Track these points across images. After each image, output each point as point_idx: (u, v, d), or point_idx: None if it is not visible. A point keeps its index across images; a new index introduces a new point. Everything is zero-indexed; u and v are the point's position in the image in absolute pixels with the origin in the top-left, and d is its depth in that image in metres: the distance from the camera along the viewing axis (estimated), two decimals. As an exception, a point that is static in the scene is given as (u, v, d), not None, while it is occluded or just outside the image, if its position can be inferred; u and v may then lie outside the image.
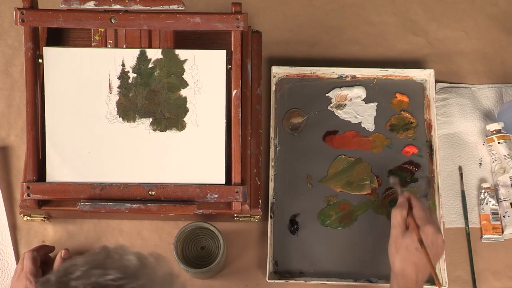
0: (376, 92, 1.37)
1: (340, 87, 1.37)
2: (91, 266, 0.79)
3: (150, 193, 1.18)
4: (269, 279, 1.25)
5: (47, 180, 1.20)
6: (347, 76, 1.38)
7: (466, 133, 1.37)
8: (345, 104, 1.37)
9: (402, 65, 1.39)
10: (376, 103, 1.37)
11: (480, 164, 1.35)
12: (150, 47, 1.22)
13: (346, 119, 1.36)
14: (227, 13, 1.20)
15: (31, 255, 1.20)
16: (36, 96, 1.20)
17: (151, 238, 1.30)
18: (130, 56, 1.21)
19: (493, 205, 1.30)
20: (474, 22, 1.45)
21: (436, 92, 1.38)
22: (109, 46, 1.22)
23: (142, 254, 0.84)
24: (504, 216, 1.30)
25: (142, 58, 1.21)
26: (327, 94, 1.37)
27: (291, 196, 1.31)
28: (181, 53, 1.21)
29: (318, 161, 1.33)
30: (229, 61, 1.21)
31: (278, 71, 1.37)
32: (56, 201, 1.22)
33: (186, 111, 1.21)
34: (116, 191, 1.18)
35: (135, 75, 1.21)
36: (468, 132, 1.37)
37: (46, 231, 1.30)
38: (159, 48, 1.22)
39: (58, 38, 1.29)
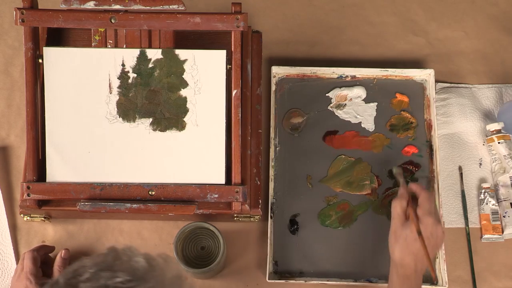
0: (376, 92, 1.37)
1: (340, 87, 1.37)
2: (100, 268, 0.79)
3: (150, 193, 1.18)
4: (269, 279, 1.25)
5: (47, 180, 1.20)
6: (347, 76, 1.38)
7: (466, 133, 1.37)
8: (345, 104, 1.37)
9: (402, 65, 1.39)
10: (376, 103, 1.37)
11: (480, 164, 1.35)
12: (150, 47, 1.22)
13: (346, 119, 1.36)
14: (227, 13, 1.20)
15: (31, 255, 1.20)
16: (36, 96, 1.20)
17: (151, 238, 1.30)
18: (130, 56, 1.21)
19: (493, 205, 1.30)
20: (474, 22, 1.45)
21: (436, 92, 1.38)
22: (109, 46, 1.22)
23: (150, 255, 0.84)
24: (504, 216, 1.30)
25: (142, 58, 1.21)
26: (327, 94, 1.37)
27: (291, 196, 1.31)
28: (181, 53, 1.21)
29: (318, 161, 1.33)
30: (229, 61, 1.21)
31: (278, 71, 1.37)
32: (56, 201, 1.22)
33: (186, 111, 1.21)
34: (116, 191, 1.18)
35: (135, 75, 1.21)
36: (468, 132, 1.37)
37: (46, 231, 1.30)
38: (159, 48, 1.22)
39: (58, 38, 1.29)
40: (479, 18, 1.45)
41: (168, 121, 1.21)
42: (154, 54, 1.21)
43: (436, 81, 1.39)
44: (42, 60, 1.21)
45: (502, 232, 1.30)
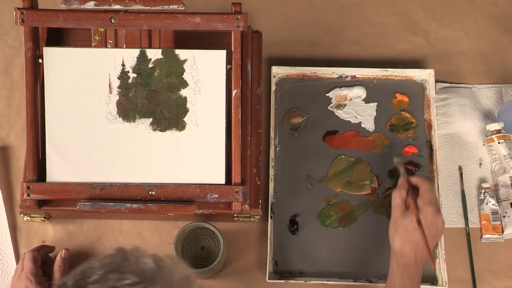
0: (376, 92, 1.37)
1: (340, 87, 1.37)
2: (108, 270, 0.79)
3: (150, 193, 1.18)
4: (269, 279, 1.25)
5: (47, 180, 1.20)
6: (347, 76, 1.38)
7: (466, 133, 1.37)
8: (345, 104, 1.37)
9: (402, 65, 1.39)
10: (376, 103, 1.37)
11: (480, 164, 1.35)
12: (150, 47, 1.22)
13: (346, 119, 1.36)
14: (227, 13, 1.20)
15: (31, 255, 1.20)
16: (36, 96, 1.20)
17: (151, 238, 1.30)
18: (130, 56, 1.21)
19: (493, 205, 1.30)
20: (474, 22, 1.45)
21: (436, 92, 1.38)
22: (109, 46, 1.22)
23: (158, 256, 0.83)
24: (504, 216, 1.30)
25: (142, 58, 1.21)
26: (327, 94, 1.37)
27: (291, 196, 1.31)
28: (181, 53, 1.21)
29: (318, 161, 1.33)
30: (229, 61, 1.21)
31: (278, 71, 1.37)
32: (56, 201, 1.22)
33: (186, 111, 1.21)
34: (116, 191, 1.18)
35: (135, 75, 1.21)
36: (468, 132, 1.37)
37: (46, 231, 1.30)
38: (159, 48, 1.22)
39: (58, 38, 1.29)
40: (479, 18, 1.45)
41: (168, 121, 1.21)
42: (154, 54, 1.21)
43: (436, 81, 1.39)
44: (42, 60, 1.21)
45: (502, 232, 1.30)
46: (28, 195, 1.19)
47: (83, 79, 1.21)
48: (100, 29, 1.21)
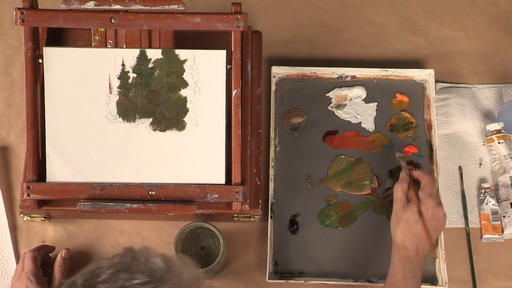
0: (376, 92, 1.37)
1: (340, 87, 1.37)
2: (117, 270, 0.79)
3: (150, 193, 1.18)
4: (269, 279, 1.25)
5: (47, 180, 1.20)
6: (347, 76, 1.38)
7: (466, 133, 1.37)
8: (345, 104, 1.37)
9: (402, 65, 1.39)
10: (376, 103, 1.37)
11: (480, 164, 1.35)
12: (150, 47, 1.22)
13: (346, 119, 1.36)
14: (227, 13, 1.20)
15: (31, 255, 1.20)
16: (36, 96, 1.20)
17: (151, 238, 1.30)
18: (130, 56, 1.21)
19: (493, 205, 1.30)
20: (474, 22, 1.45)
21: (436, 92, 1.38)
22: (109, 46, 1.22)
23: (167, 256, 0.83)
24: (504, 216, 1.30)
25: (142, 58, 1.21)
26: (327, 94, 1.37)
27: (291, 196, 1.31)
28: (181, 53, 1.21)
29: (318, 161, 1.33)
30: (229, 61, 1.21)
31: (278, 71, 1.37)
32: (56, 201, 1.22)
33: (186, 111, 1.21)
34: (116, 191, 1.18)
35: (135, 75, 1.21)
36: (468, 132, 1.37)
37: (46, 231, 1.30)
38: (159, 48, 1.22)
39: (58, 38, 1.29)
40: (479, 18, 1.45)
41: (168, 121, 1.21)
42: (154, 54, 1.21)
43: (436, 81, 1.39)
44: (42, 60, 1.21)
45: (502, 232, 1.30)
46: (28, 195, 1.19)
47: (83, 79, 1.21)
48: (100, 29, 1.21)
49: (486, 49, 1.43)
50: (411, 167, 1.32)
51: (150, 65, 1.21)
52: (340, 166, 1.33)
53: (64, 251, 1.24)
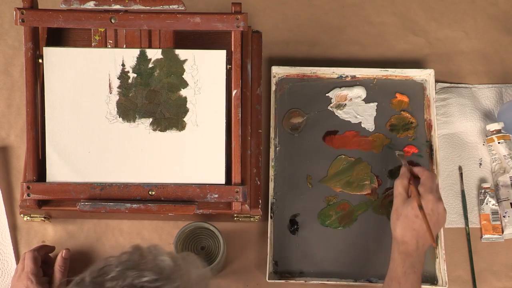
0: (376, 92, 1.37)
1: (340, 87, 1.37)
2: (126, 267, 0.79)
3: (150, 193, 1.18)
4: (269, 279, 1.25)
5: (47, 180, 1.20)
6: (347, 76, 1.38)
7: (466, 133, 1.37)
8: (345, 104, 1.37)
9: (402, 65, 1.39)
10: (376, 103, 1.37)
11: (480, 164, 1.35)
12: (150, 47, 1.22)
13: (346, 119, 1.36)
14: (227, 13, 1.20)
15: (32, 255, 1.20)
16: (36, 96, 1.20)
17: (151, 238, 1.30)
18: (130, 56, 1.21)
19: (493, 205, 1.30)
20: (474, 22, 1.45)
21: (436, 92, 1.38)
22: (109, 46, 1.22)
23: (175, 254, 0.83)
24: (504, 216, 1.30)
25: (142, 58, 1.21)
26: (327, 94, 1.37)
27: (291, 196, 1.31)
28: (181, 53, 1.21)
29: (318, 161, 1.33)
30: (229, 61, 1.21)
31: (278, 71, 1.37)
32: (56, 201, 1.22)
33: (186, 111, 1.21)
34: (116, 191, 1.18)
35: (135, 75, 1.21)
36: (468, 132, 1.37)
37: (46, 231, 1.30)
38: (159, 48, 1.22)
39: (58, 38, 1.29)
40: (479, 18, 1.45)
41: (168, 121, 1.21)
42: (154, 54, 1.21)
43: (436, 81, 1.39)
44: (42, 60, 1.21)
45: (502, 232, 1.30)
46: (28, 195, 1.19)
47: (83, 79, 1.21)
48: (100, 29, 1.21)
49: (486, 49, 1.43)
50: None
51: (150, 65, 1.21)
52: (340, 166, 1.33)
53: (64, 251, 1.24)
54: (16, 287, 1.19)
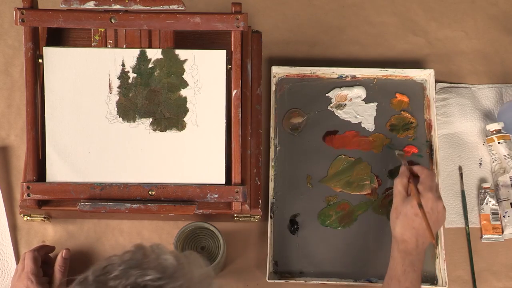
0: (376, 92, 1.37)
1: (340, 87, 1.37)
2: (129, 266, 0.79)
3: (150, 193, 1.18)
4: (269, 279, 1.25)
5: (47, 180, 1.20)
6: (347, 76, 1.38)
7: (466, 133, 1.37)
8: (345, 104, 1.37)
9: (402, 65, 1.40)
10: (376, 103, 1.37)
11: (480, 164, 1.35)
12: (150, 47, 1.22)
13: (346, 119, 1.36)
14: (227, 13, 1.20)
15: (32, 255, 1.20)
16: (36, 96, 1.20)
17: (151, 238, 1.30)
18: (130, 56, 1.21)
19: (493, 205, 1.30)
20: (474, 22, 1.45)
21: (436, 92, 1.38)
22: (109, 46, 1.22)
23: (178, 253, 0.83)
24: (504, 216, 1.30)
25: (142, 58, 1.21)
26: (327, 94, 1.37)
27: (291, 196, 1.31)
28: (181, 53, 1.21)
29: (318, 161, 1.33)
30: (229, 61, 1.21)
31: (278, 71, 1.37)
32: (56, 201, 1.22)
33: (186, 111, 1.21)
34: (116, 191, 1.18)
35: (135, 75, 1.21)
36: (468, 132, 1.37)
37: (46, 231, 1.30)
38: (159, 48, 1.22)
39: (58, 38, 1.29)
40: (479, 18, 1.45)
41: (168, 121, 1.21)
42: (154, 54, 1.21)
43: (436, 81, 1.39)
44: (42, 60, 1.21)
45: (502, 232, 1.30)
46: (28, 195, 1.19)
47: (83, 79, 1.21)
48: (100, 29, 1.21)
49: (486, 49, 1.43)
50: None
51: (150, 65, 1.21)
52: (340, 166, 1.33)
53: (64, 251, 1.24)
54: (16, 287, 1.19)
